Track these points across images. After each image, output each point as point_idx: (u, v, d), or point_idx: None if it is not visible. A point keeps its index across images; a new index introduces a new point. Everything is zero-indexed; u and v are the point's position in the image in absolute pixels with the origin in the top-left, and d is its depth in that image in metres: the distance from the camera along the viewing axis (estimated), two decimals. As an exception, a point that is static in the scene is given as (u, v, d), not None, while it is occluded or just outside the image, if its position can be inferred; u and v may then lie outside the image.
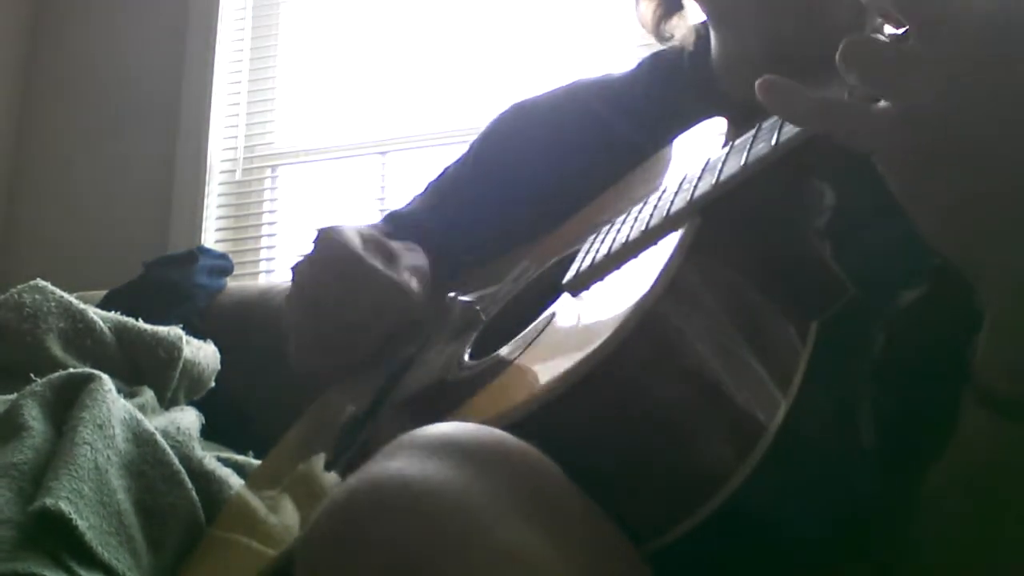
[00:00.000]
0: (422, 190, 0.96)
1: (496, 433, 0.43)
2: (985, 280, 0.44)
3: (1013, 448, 0.47)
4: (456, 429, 0.43)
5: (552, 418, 0.45)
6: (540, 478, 0.42)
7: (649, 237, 0.52)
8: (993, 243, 0.42)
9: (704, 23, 0.82)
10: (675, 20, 0.84)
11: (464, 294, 0.72)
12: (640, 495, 0.45)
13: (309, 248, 0.78)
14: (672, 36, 0.84)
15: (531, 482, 0.42)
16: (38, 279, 1.11)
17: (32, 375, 0.86)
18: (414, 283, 0.76)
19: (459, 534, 0.38)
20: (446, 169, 0.95)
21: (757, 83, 0.46)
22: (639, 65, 0.87)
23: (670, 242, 0.49)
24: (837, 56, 0.44)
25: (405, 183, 2.13)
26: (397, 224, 0.89)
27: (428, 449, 0.41)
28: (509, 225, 0.79)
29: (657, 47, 0.88)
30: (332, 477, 0.66)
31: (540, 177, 0.81)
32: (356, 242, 0.75)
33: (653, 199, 0.55)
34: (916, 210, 0.44)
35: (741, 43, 0.74)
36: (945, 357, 0.51)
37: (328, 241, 0.76)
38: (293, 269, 0.80)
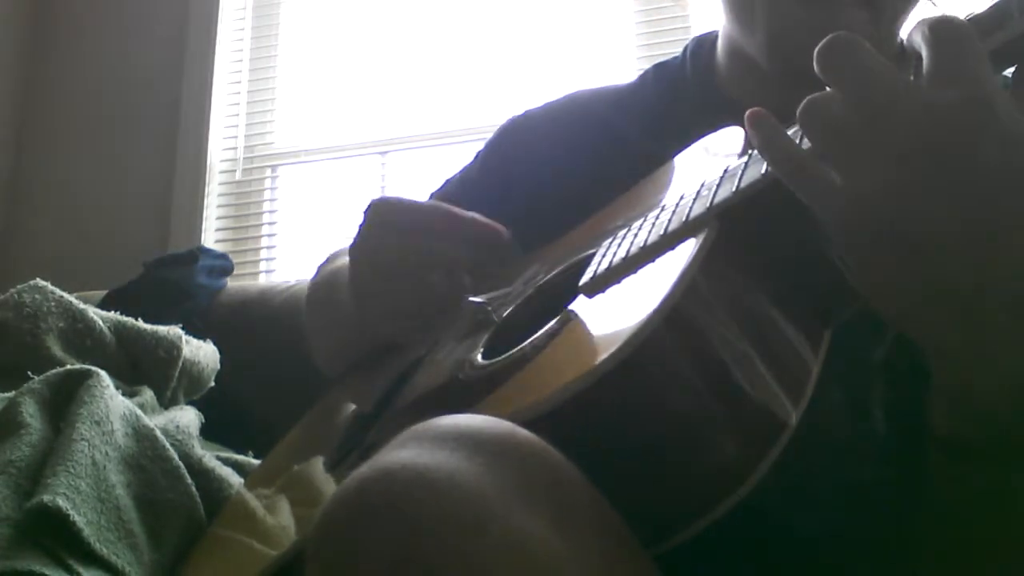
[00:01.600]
0: (430, 195, 0.95)
1: (506, 425, 0.43)
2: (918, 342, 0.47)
3: (958, 484, 0.49)
4: (466, 420, 0.43)
5: (570, 416, 0.45)
6: (549, 470, 0.42)
7: (667, 241, 0.52)
8: (920, 320, 0.45)
9: (709, 34, 0.82)
10: None
11: (475, 295, 0.71)
12: (654, 495, 0.45)
13: (362, 220, 0.73)
14: None
15: (541, 474, 0.42)
16: (38, 279, 1.11)
17: (31, 374, 0.86)
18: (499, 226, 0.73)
19: (470, 524, 0.38)
20: (450, 179, 0.95)
21: (747, 113, 0.48)
22: (643, 76, 0.88)
23: (688, 247, 0.49)
24: (798, 112, 0.45)
25: (405, 183, 2.13)
26: None
27: (439, 439, 0.41)
28: (518, 232, 0.79)
29: (658, 57, 0.88)
30: (329, 478, 0.66)
31: (550, 184, 0.81)
32: (420, 199, 0.73)
33: (671, 205, 0.55)
34: (853, 275, 0.46)
35: (750, 38, 0.74)
36: None
37: (392, 203, 0.72)
38: (355, 239, 0.74)
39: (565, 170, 0.81)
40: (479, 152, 0.93)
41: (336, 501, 0.40)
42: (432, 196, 0.94)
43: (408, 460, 0.40)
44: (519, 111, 0.94)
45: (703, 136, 0.64)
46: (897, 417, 0.61)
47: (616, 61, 2.09)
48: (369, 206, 0.73)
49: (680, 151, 0.66)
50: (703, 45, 0.83)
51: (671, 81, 0.84)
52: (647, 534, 0.44)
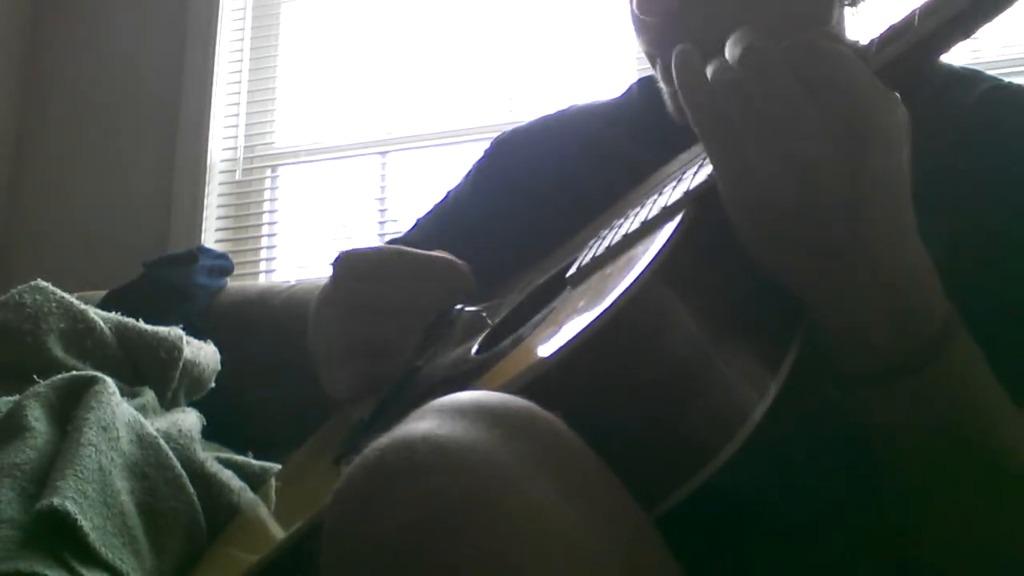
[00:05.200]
0: (417, 220, 0.96)
1: (522, 400, 0.44)
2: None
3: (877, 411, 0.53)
4: (484, 395, 0.44)
5: (548, 386, 0.46)
6: (565, 445, 0.43)
7: (648, 229, 0.53)
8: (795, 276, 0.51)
9: None
10: None
11: (470, 305, 0.73)
12: (637, 459, 0.46)
13: (331, 271, 0.76)
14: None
15: (557, 448, 0.43)
16: (38, 279, 1.11)
17: (34, 376, 0.87)
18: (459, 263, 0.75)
19: (489, 493, 0.39)
20: (441, 200, 0.96)
21: (676, 49, 0.51)
22: (628, 90, 0.90)
23: (668, 230, 0.51)
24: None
25: (405, 183, 2.13)
26: None
27: (459, 412, 0.42)
28: (510, 250, 0.80)
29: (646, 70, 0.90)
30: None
31: (541, 201, 0.82)
32: (384, 245, 0.76)
33: (651, 199, 0.57)
34: (746, 243, 0.52)
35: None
36: None
37: (355, 253, 0.75)
38: (324, 290, 0.78)
39: (558, 183, 0.82)
40: (469, 170, 0.94)
41: (356, 468, 0.40)
42: (424, 218, 0.95)
43: (428, 431, 0.40)
44: (510, 124, 0.95)
45: (689, 145, 0.65)
46: None
47: (615, 62, 2.09)
48: (337, 258, 0.76)
49: (668, 159, 0.67)
50: None
51: (655, 94, 0.85)
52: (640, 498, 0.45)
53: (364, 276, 0.73)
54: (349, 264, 0.75)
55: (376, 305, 0.72)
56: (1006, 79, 0.73)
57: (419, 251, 0.74)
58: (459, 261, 0.74)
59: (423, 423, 0.41)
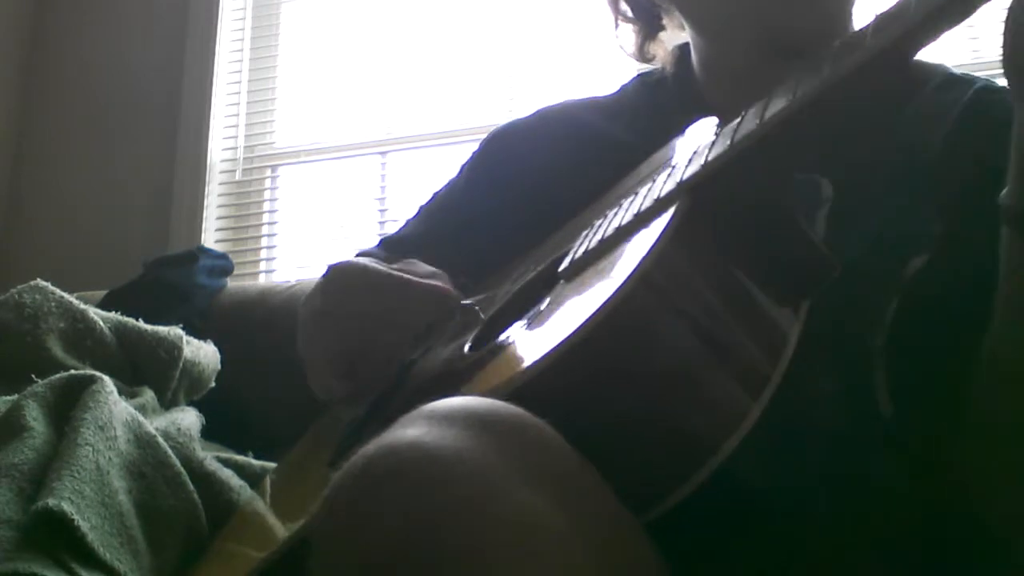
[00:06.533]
0: (414, 213, 0.97)
1: (511, 407, 0.44)
2: None
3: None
4: (473, 401, 0.44)
5: (541, 389, 0.46)
6: (553, 452, 0.43)
7: (640, 221, 0.53)
8: None
9: (683, 44, 0.84)
10: (655, 42, 0.87)
11: (463, 299, 0.73)
12: (628, 464, 0.46)
13: (322, 281, 0.77)
14: (654, 57, 0.87)
15: (545, 455, 0.43)
16: (38, 279, 1.11)
17: (33, 376, 0.87)
18: (442, 283, 0.75)
19: (475, 500, 0.39)
20: (437, 192, 0.96)
21: None
22: (625, 85, 0.90)
23: (660, 223, 0.50)
24: None
25: (405, 183, 2.13)
26: (393, 249, 0.90)
27: (446, 419, 0.42)
28: (506, 241, 0.80)
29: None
30: None
31: (537, 191, 0.82)
32: (376, 264, 0.76)
33: (644, 190, 0.57)
34: None
35: (726, 53, 0.76)
36: (959, 313, 0.55)
37: (347, 268, 0.75)
38: (308, 300, 0.79)
39: (553, 174, 0.83)
40: (464, 164, 0.95)
41: (343, 475, 0.41)
42: (420, 210, 0.96)
43: (415, 437, 0.41)
44: (505, 120, 0.95)
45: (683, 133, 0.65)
46: (906, 398, 0.62)
47: (616, 62, 2.09)
48: (329, 269, 0.76)
49: (662, 146, 0.67)
50: (684, 54, 0.85)
51: (654, 87, 0.86)
52: (633, 502, 0.45)
53: (358, 288, 0.73)
54: (341, 276, 0.75)
55: (371, 316, 0.72)
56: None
57: (410, 277, 0.74)
58: (449, 288, 0.74)
59: (411, 430, 0.41)
